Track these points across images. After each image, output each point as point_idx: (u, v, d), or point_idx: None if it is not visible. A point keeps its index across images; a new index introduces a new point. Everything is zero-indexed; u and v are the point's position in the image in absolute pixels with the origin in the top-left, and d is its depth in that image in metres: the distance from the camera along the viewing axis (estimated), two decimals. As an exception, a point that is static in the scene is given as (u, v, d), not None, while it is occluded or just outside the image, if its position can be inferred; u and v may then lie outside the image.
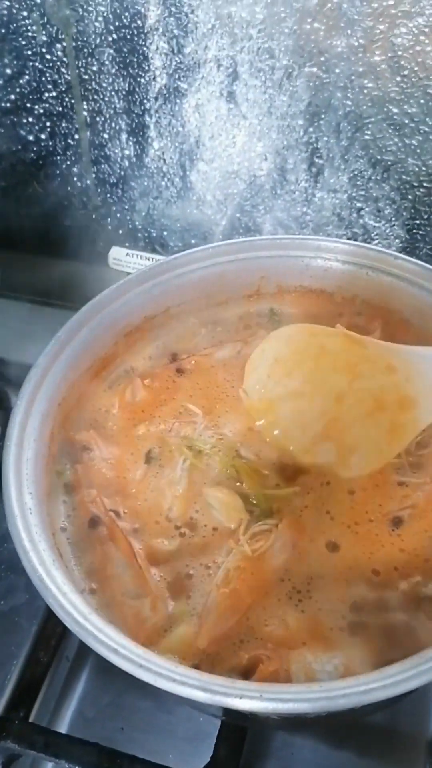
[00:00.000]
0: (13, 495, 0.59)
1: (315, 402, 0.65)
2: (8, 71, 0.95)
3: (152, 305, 0.76)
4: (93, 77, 0.92)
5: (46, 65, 0.93)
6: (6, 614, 0.79)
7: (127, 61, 0.89)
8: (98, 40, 0.88)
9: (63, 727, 0.76)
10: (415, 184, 0.86)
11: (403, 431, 0.61)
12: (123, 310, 0.74)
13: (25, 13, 0.89)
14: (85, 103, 0.95)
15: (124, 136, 0.97)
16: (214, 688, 0.47)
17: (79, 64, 0.91)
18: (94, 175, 1.02)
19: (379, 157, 0.85)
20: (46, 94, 0.95)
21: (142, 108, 0.93)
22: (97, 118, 0.96)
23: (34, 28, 0.90)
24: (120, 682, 0.78)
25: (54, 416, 0.67)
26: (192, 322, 0.79)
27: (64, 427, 0.69)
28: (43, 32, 0.90)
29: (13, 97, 0.98)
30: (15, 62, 0.94)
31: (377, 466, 0.63)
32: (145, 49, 0.87)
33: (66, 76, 0.93)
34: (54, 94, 0.95)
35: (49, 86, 0.95)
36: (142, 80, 0.90)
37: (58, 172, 1.03)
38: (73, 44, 0.89)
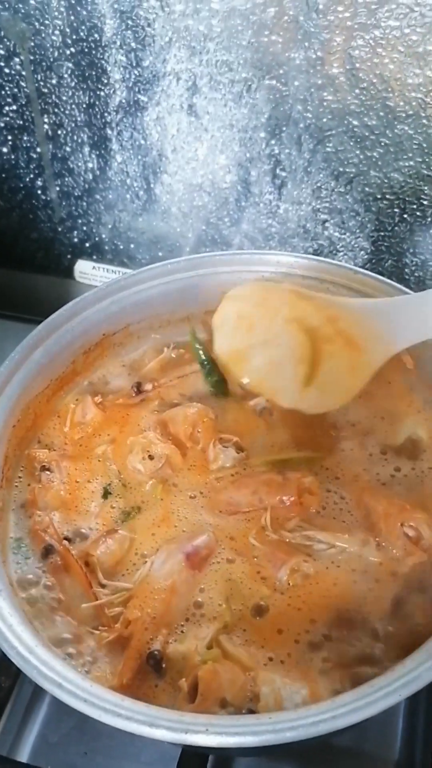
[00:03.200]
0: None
1: (280, 349, 0.68)
2: (-33, 85, 0.94)
3: (111, 322, 0.75)
4: (53, 91, 0.91)
5: (5, 79, 0.92)
6: (-34, 639, 0.78)
7: (86, 74, 0.88)
8: (56, 54, 0.87)
9: (25, 753, 0.75)
10: (378, 196, 0.85)
11: (361, 371, 0.66)
12: (80, 328, 0.73)
13: (-19, 27, 0.88)
14: (45, 116, 0.94)
15: (86, 149, 0.96)
16: (160, 723, 0.46)
17: (38, 78, 0.90)
18: (57, 188, 1.01)
19: (341, 170, 0.85)
20: (6, 108, 0.94)
21: (103, 121, 0.92)
22: (59, 132, 0.95)
23: (-10, 41, 0.89)
24: (83, 706, 0.77)
25: (8, 439, 0.65)
26: (153, 338, 0.78)
27: (19, 448, 0.68)
28: (0, 46, 0.89)
29: (-27, 111, 0.96)
30: (-27, 76, 0.93)
31: (344, 401, 0.67)
32: (103, 62, 0.86)
33: (25, 89, 0.92)
34: (14, 107, 0.94)
35: (9, 100, 0.93)
36: (102, 93, 0.89)
37: (21, 185, 1.02)
38: (31, 58, 0.88)
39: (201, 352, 0.77)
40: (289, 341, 0.67)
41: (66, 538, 0.62)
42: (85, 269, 1.05)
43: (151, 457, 0.68)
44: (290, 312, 0.69)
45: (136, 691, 0.52)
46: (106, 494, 0.67)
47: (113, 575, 0.61)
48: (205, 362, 0.76)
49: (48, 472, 0.67)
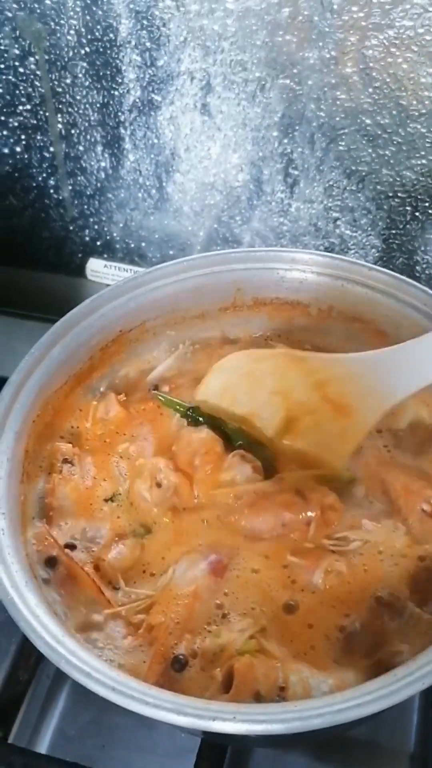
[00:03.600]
0: (-15, 516, 0.58)
1: (264, 421, 0.68)
2: (-19, 85, 0.95)
3: (128, 319, 0.76)
4: (67, 90, 0.92)
5: (20, 78, 0.92)
6: (-16, 633, 0.78)
7: (101, 74, 0.89)
8: (71, 54, 0.88)
9: (43, 746, 0.76)
10: (390, 194, 0.86)
11: (351, 435, 0.65)
12: (97, 325, 0.73)
13: (-4, 27, 0.89)
14: (59, 115, 0.94)
15: (99, 149, 0.96)
16: (187, 711, 0.47)
17: (53, 78, 0.91)
18: (70, 187, 1.01)
19: (353, 168, 0.86)
20: (20, 108, 0.95)
21: (117, 120, 0.93)
22: (72, 131, 0.96)
23: (6, 41, 0.90)
24: (101, 700, 0.76)
25: (28, 434, 0.66)
26: (169, 335, 0.79)
27: (39, 444, 0.68)
28: (16, 46, 0.89)
29: (-14, 110, 0.97)
30: (-12, 76, 0.94)
31: (337, 466, 0.66)
32: (118, 62, 0.87)
33: (40, 89, 0.92)
34: (28, 107, 0.95)
35: (23, 99, 0.94)
36: (116, 93, 0.90)
37: (34, 184, 1.03)
38: (46, 57, 0.89)
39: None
40: (272, 415, 0.67)
41: (69, 545, 0.62)
42: (96, 267, 1.06)
43: (159, 485, 0.67)
44: (276, 384, 0.69)
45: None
46: (112, 499, 0.67)
47: (125, 581, 0.61)
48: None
49: (69, 465, 0.68)
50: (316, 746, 0.72)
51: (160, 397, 0.74)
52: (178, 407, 0.73)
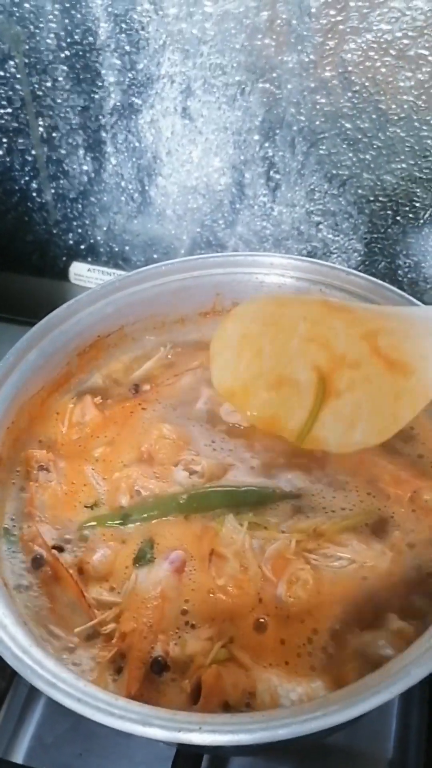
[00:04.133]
0: None
1: (294, 377, 0.59)
2: (-38, 88, 0.94)
3: (106, 324, 0.75)
4: (47, 93, 0.91)
5: None
6: (-39, 640, 0.78)
7: (81, 77, 0.89)
8: (51, 57, 0.88)
9: (20, 754, 0.75)
10: (371, 198, 0.86)
11: (409, 397, 0.57)
12: (75, 330, 0.73)
13: (-24, 30, 0.88)
14: (40, 119, 0.94)
15: (81, 152, 0.96)
16: (153, 722, 0.46)
17: (33, 81, 0.90)
18: (53, 191, 1.01)
19: (334, 172, 0.85)
20: (1, 111, 0.94)
21: (98, 124, 0.92)
22: (54, 134, 0.95)
23: (-16, 45, 0.89)
24: (79, 707, 0.77)
25: (2, 441, 0.66)
26: (148, 340, 0.79)
27: (14, 450, 0.68)
28: (-5, 49, 0.89)
29: (-32, 113, 0.97)
30: (-32, 79, 0.93)
31: (388, 434, 0.58)
32: (98, 65, 0.87)
33: (20, 92, 0.92)
34: (9, 110, 0.94)
35: (4, 102, 0.94)
36: (97, 96, 0.90)
37: (16, 187, 1.02)
38: (26, 61, 0.88)
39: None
40: (304, 366, 0.58)
41: (56, 547, 0.61)
42: (80, 271, 1.06)
43: (138, 493, 0.66)
44: (310, 329, 0.58)
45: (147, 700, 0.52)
46: (93, 507, 0.67)
47: (103, 583, 0.61)
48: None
49: (45, 472, 0.67)
50: (294, 753, 0.72)
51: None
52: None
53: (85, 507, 0.66)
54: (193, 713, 0.48)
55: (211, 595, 0.58)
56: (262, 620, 0.57)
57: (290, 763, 0.71)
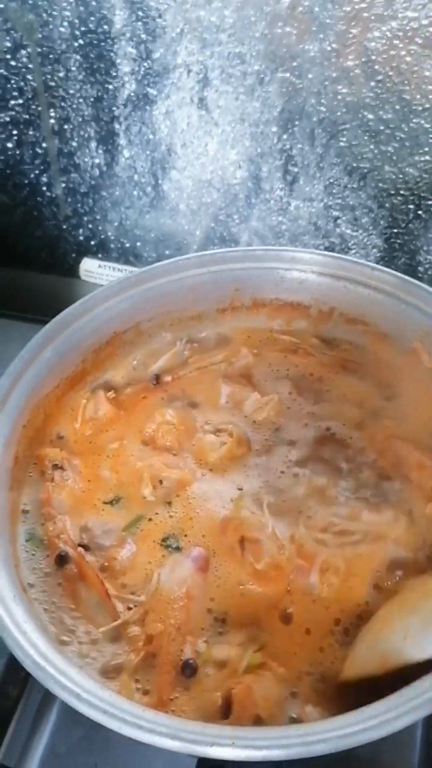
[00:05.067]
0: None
1: None
2: (-28, 79, 0.92)
3: (121, 321, 0.73)
4: (60, 84, 0.89)
5: (11, 72, 0.90)
6: (-28, 646, 0.76)
7: (95, 67, 0.86)
8: (64, 46, 0.86)
9: (33, 765, 0.73)
10: (392, 191, 0.84)
11: None
12: (90, 327, 0.70)
13: (-14, 19, 0.86)
14: (52, 110, 0.92)
15: (93, 144, 0.94)
16: (183, 735, 0.44)
17: (45, 71, 0.88)
18: (63, 185, 0.99)
19: (355, 165, 0.83)
20: (12, 102, 0.92)
21: (111, 115, 0.90)
22: (65, 126, 0.93)
23: (-3, 34, 0.87)
24: (93, 716, 0.74)
25: (18, 440, 0.63)
26: (164, 337, 0.76)
27: (30, 449, 0.65)
28: (7, 38, 0.87)
29: (-23, 105, 0.94)
30: (-22, 69, 0.91)
31: None
32: (112, 54, 0.85)
33: (32, 82, 0.90)
34: (20, 101, 0.92)
35: (15, 93, 0.91)
36: (111, 86, 0.87)
37: (26, 181, 1.00)
38: (38, 50, 0.86)
39: None
40: None
41: (82, 545, 0.60)
42: (90, 268, 1.03)
43: (161, 482, 0.65)
44: None
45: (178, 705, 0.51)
46: (112, 503, 0.65)
47: (125, 582, 0.59)
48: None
49: (61, 471, 0.65)
50: (317, 764, 0.69)
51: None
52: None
53: (105, 503, 0.64)
54: (224, 726, 0.46)
55: (241, 586, 0.57)
56: (289, 611, 0.55)
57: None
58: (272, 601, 0.56)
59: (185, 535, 0.61)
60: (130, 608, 0.56)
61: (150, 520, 0.63)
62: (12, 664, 0.75)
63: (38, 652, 0.48)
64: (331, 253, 0.74)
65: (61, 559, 0.58)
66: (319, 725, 0.45)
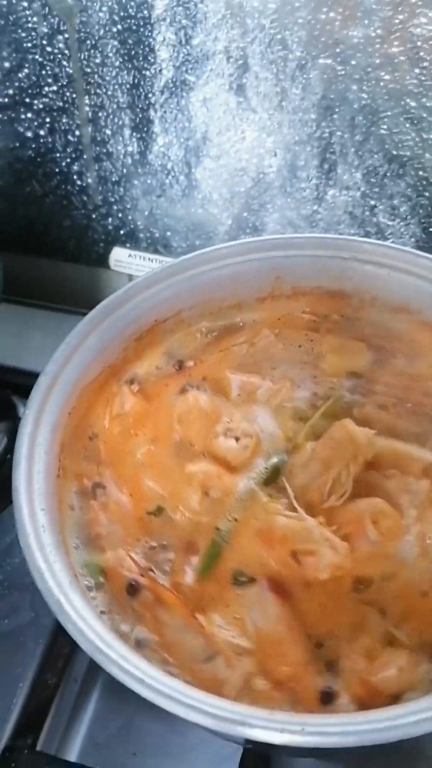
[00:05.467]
0: (25, 511, 0.55)
1: None
2: (6, 65, 0.91)
3: (163, 308, 0.72)
4: (96, 70, 0.88)
5: (47, 58, 0.89)
6: (10, 634, 0.75)
7: (132, 53, 0.85)
8: (102, 32, 0.85)
9: (72, 754, 0.73)
10: (433, 180, 0.83)
11: None
12: (133, 314, 0.69)
13: (25, 4, 0.85)
14: (87, 97, 0.91)
15: (127, 132, 0.93)
16: (252, 722, 0.43)
17: (82, 57, 0.87)
18: (95, 173, 0.98)
19: (395, 153, 0.82)
20: (46, 89, 0.91)
21: (147, 102, 0.89)
22: (100, 114, 0.92)
23: (34, 19, 0.86)
24: (131, 705, 0.74)
25: (64, 426, 0.63)
26: (203, 326, 0.76)
27: (74, 437, 0.65)
28: (44, 23, 0.86)
29: (11, 91, 0.93)
30: (14, 55, 0.90)
31: None
32: (151, 40, 0.84)
33: (67, 69, 0.89)
34: (54, 88, 0.91)
35: (50, 80, 0.91)
36: (148, 73, 0.87)
37: (57, 170, 0.99)
38: (76, 36, 0.85)
39: None
40: None
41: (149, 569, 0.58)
42: (120, 257, 1.03)
43: (206, 494, 0.63)
44: None
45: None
46: (156, 513, 0.63)
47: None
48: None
49: (102, 489, 0.64)
50: (357, 755, 0.69)
51: None
52: None
53: (148, 513, 0.62)
54: (290, 713, 0.45)
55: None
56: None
57: (354, 761, 0.69)
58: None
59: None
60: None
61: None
62: (50, 653, 0.75)
63: (100, 638, 0.48)
64: (374, 240, 0.73)
65: (132, 589, 0.56)
66: (387, 711, 0.44)
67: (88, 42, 0.86)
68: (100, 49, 0.86)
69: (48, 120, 0.94)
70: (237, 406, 0.70)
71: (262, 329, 0.75)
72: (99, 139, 0.94)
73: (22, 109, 0.95)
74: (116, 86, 0.89)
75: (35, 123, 0.95)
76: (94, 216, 1.03)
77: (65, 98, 0.92)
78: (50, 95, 0.92)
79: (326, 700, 0.51)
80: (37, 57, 0.89)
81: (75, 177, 1.00)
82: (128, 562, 0.57)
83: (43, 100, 0.92)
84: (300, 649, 0.53)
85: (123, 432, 0.68)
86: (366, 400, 0.69)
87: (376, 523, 0.57)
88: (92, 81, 0.89)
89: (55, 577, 0.51)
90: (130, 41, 0.84)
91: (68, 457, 0.63)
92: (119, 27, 0.84)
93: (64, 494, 0.62)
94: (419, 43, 0.74)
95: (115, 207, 1.01)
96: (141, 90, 0.88)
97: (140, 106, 0.90)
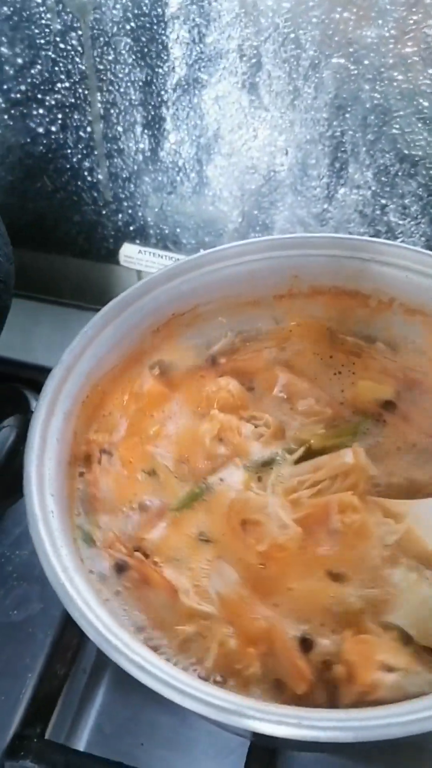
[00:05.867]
0: (35, 497, 0.55)
1: None
2: (19, 61, 0.92)
3: (180, 303, 0.72)
4: (108, 67, 0.89)
5: (60, 54, 0.89)
6: (20, 625, 0.76)
7: (145, 50, 0.86)
8: (115, 29, 0.85)
9: (80, 744, 0.73)
10: (444, 180, 0.84)
11: None
12: (150, 307, 0.70)
13: (39, 0, 0.86)
14: (99, 94, 0.91)
15: (138, 129, 0.93)
16: (251, 714, 0.44)
17: (95, 54, 0.88)
18: (106, 169, 0.99)
19: (406, 152, 0.83)
20: (59, 85, 0.92)
21: (159, 99, 0.90)
22: (112, 110, 0.93)
23: (48, 15, 0.87)
24: (139, 696, 0.74)
25: (77, 415, 0.64)
26: (220, 322, 0.76)
27: (86, 426, 0.66)
28: (58, 20, 0.86)
29: (23, 87, 0.94)
30: (27, 51, 0.91)
31: None
32: (164, 38, 0.84)
33: (80, 65, 0.90)
34: (67, 84, 0.92)
35: (62, 76, 0.91)
36: (161, 71, 0.87)
37: (68, 166, 1.00)
38: (90, 33, 0.86)
39: None
40: None
41: (137, 549, 0.60)
42: (130, 253, 1.03)
43: (220, 440, 0.67)
44: None
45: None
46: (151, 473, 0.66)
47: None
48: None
49: (108, 455, 0.66)
50: (363, 750, 0.70)
51: None
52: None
53: (143, 472, 0.65)
54: (290, 707, 0.46)
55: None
56: None
57: (359, 755, 0.69)
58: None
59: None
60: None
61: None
62: (59, 643, 0.75)
63: (104, 624, 0.48)
64: (392, 242, 0.72)
65: (119, 567, 0.58)
66: (388, 709, 0.45)
67: (102, 39, 0.86)
68: (113, 47, 0.87)
69: (60, 116, 0.95)
70: (267, 401, 0.71)
71: (291, 336, 0.76)
72: (110, 135, 0.95)
73: (34, 105, 0.95)
74: (129, 83, 0.89)
75: (47, 119, 0.96)
76: (104, 212, 1.04)
77: (77, 95, 0.92)
78: (62, 92, 0.92)
79: (307, 647, 0.52)
80: (50, 53, 0.89)
81: (86, 173, 1.00)
82: (117, 545, 0.59)
83: (56, 96, 0.93)
84: (266, 608, 0.55)
85: (138, 410, 0.70)
86: (385, 432, 0.69)
87: (343, 513, 0.58)
88: (105, 78, 0.90)
89: (62, 562, 0.51)
90: (143, 39, 0.85)
91: (81, 430, 0.65)
92: (133, 24, 0.84)
93: (75, 481, 0.63)
94: (433, 44, 0.75)
95: (125, 203, 1.02)
96: (153, 87, 0.89)
97: (152, 103, 0.90)
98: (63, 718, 0.73)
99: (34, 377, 0.82)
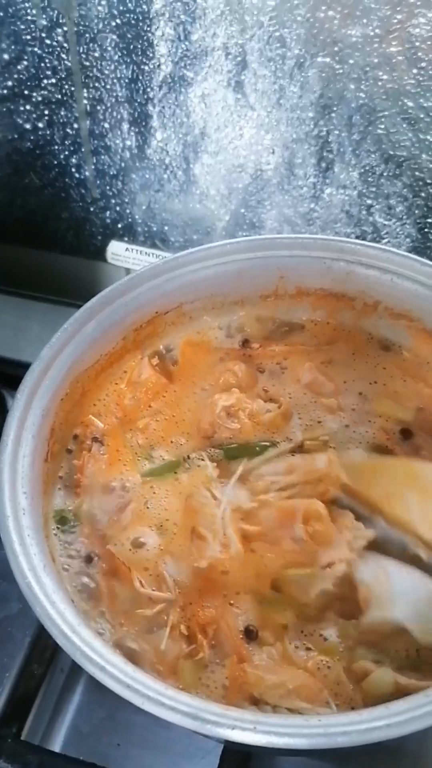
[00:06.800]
0: (6, 494, 0.55)
1: None
2: (5, 56, 0.91)
3: (164, 301, 0.72)
4: (94, 64, 0.88)
5: (46, 51, 0.89)
6: (-2, 624, 0.75)
7: (131, 47, 0.86)
8: (101, 25, 0.85)
9: (57, 743, 0.73)
10: (429, 181, 0.83)
11: None
12: (133, 305, 0.70)
13: (25, -5, 0.85)
14: (85, 90, 0.91)
15: (125, 126, 0.93)
16: (204, 716, 0.44)
17: (81, 50, 0.87)
18: (93, 166, 0.98)
19: (391, 153, 0.83)
20: (45, 81, 0.92)
21: (146, 97, 0.89)
22: (98, 107, 0.92)
23: (33, 11, 0.86)
24: (116, 696, 0.74)
25: (56, 412, 0.63)
26: (205, 321, 0.76)
27: (65, 423, 0.65)
28: (44, 16, 0.86)
29: (10, 83, 0.94)
30: (13, 47, 0.90)
31: None
32: (150, 35, 0.84)
33: (66, 62, 0.89)
34: (53, 81, 0.91)
35: (48, 73, 0.91)
36: (146, 68, 0.87)
37: (55, 162, 0.99)
38: (75, 29, 0.85)
39: None
40: None
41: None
42: (118, 251, 1.03)
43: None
44: None
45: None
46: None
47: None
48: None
49: (99, 444, 0.66)
50: (339, 752, 0.69)
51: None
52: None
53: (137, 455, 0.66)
54: (246, 711, 0.46)
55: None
56: None
57: (336, 760, 0.69)
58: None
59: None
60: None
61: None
62: (37, 643, 0.75)
63: (66, 623, 0.48)
64: (379, 245, 0.71)
65: (89, 558, 0.59)
66: (341, 717, 0.45)
67: (87, 35, 0.86)
68: (99, 43, 0.86)
69: (46, 112, 0.95)
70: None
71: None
72: (97, 132, 0.95)
73: (20, 101, 0.95)
74: (115, 80, 0.89)
75: (34, 115, 0.95)
76: (91, 209, 1.04)
77: (64, 91, 0.92)
78: (49, 88, 0.92)
79: (250, 636, 0.53)
80: (36, 49, 0.89)
81: (73, 170, 1.00)
82: (90, 538, 0.60)
83: (42, 92, 0.93)
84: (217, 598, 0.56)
85: (135, 399, 0.70)
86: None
87: (307, 523, 0.57)
88: (91, 74, 0.89)
89: (30, 561, 0.51)
90: (128, 35, 0.85)
91: (59, 426, 0.65)
92: (118, 21, 0.84)
93: (52, 474, 0.63)
94: (417, 43, 0.75)
95: (112, 200, 1.02)
96: (139, 84, 0.88)
97: (138, 100, 0.90)
98: (40, 717, 0.73)
99: (21, 374, 0.82)
